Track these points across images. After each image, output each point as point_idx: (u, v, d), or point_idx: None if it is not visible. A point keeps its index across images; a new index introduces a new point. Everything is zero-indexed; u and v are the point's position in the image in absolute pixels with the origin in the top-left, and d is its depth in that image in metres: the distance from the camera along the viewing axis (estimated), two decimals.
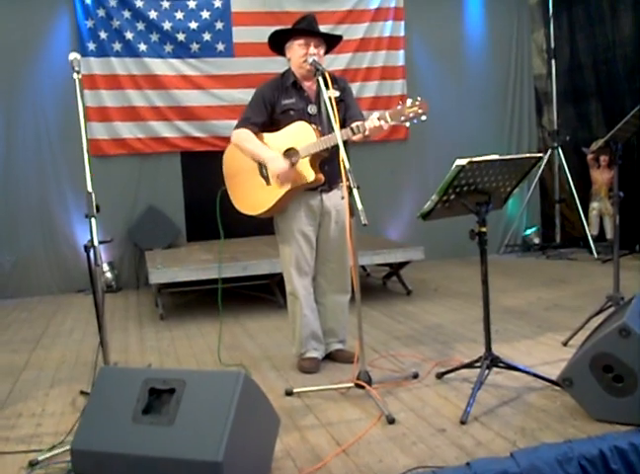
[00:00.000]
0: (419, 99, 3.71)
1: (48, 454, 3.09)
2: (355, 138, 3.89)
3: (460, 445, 3.03)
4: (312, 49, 4.07)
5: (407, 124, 3.81)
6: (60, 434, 3.31)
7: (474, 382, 3.48)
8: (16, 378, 4.45)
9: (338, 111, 3.81)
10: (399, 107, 3.73)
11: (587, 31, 8.49)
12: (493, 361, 3.60)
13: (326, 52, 4.25)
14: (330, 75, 3.98)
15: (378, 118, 3.78)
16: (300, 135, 4.01)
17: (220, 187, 4.32)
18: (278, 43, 4.25)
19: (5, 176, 7.45)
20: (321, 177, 4.03)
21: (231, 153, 4.30)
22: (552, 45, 8.75)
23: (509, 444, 3.00)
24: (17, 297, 7.36)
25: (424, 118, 3.70)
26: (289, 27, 4.24)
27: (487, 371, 3.56)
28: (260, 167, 4.14)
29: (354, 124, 3.86)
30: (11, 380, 4.40)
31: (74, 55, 3.68)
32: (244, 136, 4.15)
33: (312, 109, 4.15)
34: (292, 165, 4.03)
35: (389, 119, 3.76)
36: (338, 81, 4.21)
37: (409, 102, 3.71)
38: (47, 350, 5.20)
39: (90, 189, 3.38)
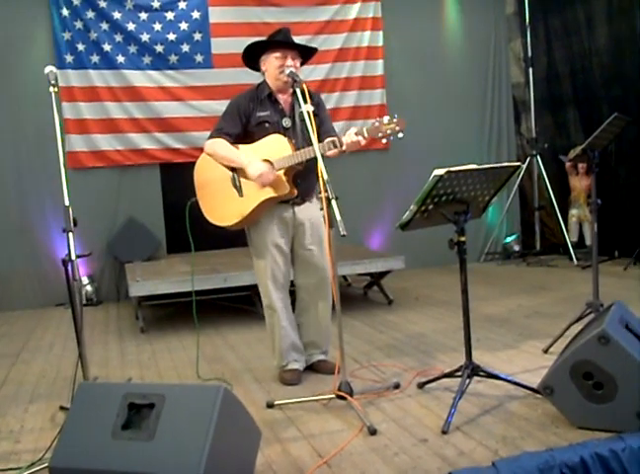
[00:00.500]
0: (396, 116, 3.77)
1: (27, 472, 3.07)
2: (329, 153, 3.89)
3: (442, 455, 3.02)
4: (289, 61, 4.07)
5: (384, 141, 3.86)
6: (39, 451, 3.27)
7: (456, 391, 3.49)
8: None
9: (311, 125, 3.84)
10: (377, 123, 3.77)
11: (563, 40, 8.57)
12: (474, 370, 3.60)
13: (301, 64, 4.26)
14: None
15: (356, 134, 3.81)
16: (275, 148, 4.02)
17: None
18: (251, 57, 4.25)
19: None
20: (294, 191, 4.04)
21: (203, 163, 4.28)
22: (529, 54, 8.84)
23: (490, 453, 3.00)
24: None
25: (401, 135, 3.77)
26: (264, 39, 4.23)
27: (468, 380, 3.57)
28: (233, 177, 4.13)
29: (330, 139, 3.88)
30: None
31: (50, 68, 3.69)
32: (218, 145, 4.12)
33: (287, 122, 4.15)
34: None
35: (366, 135, 3.80)
36: (312, 96, 4.21)
37: (386, 119, 3.76)
38: (27, 364, 5.15)
39: (67, 202, 3.37)
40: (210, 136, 4.18)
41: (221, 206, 4.19)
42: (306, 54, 4.28)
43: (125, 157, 7.76)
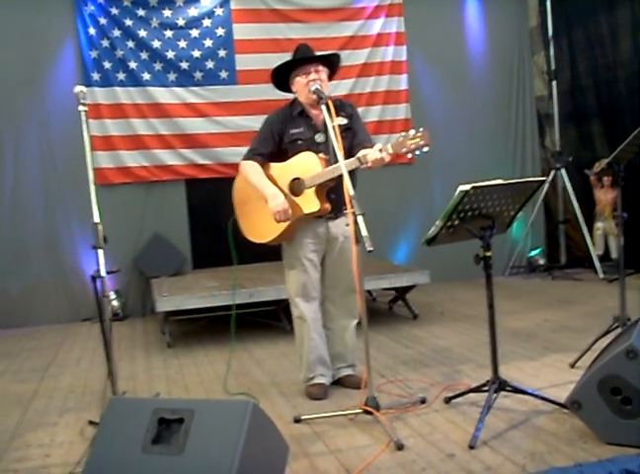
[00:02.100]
0: (421, 130, 3.69)
1: None
2: (362, 167, 3.87)
3: (470, 471, 3.02)
4: (312, 76, 4.09)
5: (409, 156, 3.77)
6: (69, 466, 3.31)
7: (482, 406, 3.48)
8: (25, 408, 4.46)
9: (344, 139, 3.87)
10: (401, 138, 3.71)
11: (587, 52, 8.54)
12: (500, 385, 3.59)
13: (331, 75, 4.29)
14: (336, 102, 4.06)
15: (380, 150, 3.78)
16: (306, 165, 4.04)
17: (227, 213, 4.41)
18: (281, 80, 4.30)
19: (13, 206, 7.51)
20: (327, 207, 4.06)
21: (240, 181, 4.35)
22: (553, 67, 8.79)
23: (518, 469, 2.99)
24: (24, 326, 7.38)
25: (426, 149, 3.68)
26: (282, 62, 4.26)
27: (495, 395, 3.56)
28: None
29: (360, 154, 3.86)
30: (20, 410, 4.41)
31: (79, 88, 3.75)
32: (250, 169, 4.20)
33: (320, 137, 4.16)
34: (297, 195, 4.07)
35: (391, 151, 3.77)
36: (345, 107, 4.25)
37: (411, 133, 3.70)
38: (56, 379, 5.20)
39: (97, 219, 3.41)
40: (245, 157, 4.26)
41: (257, 224, 4.24)
42: (332, 65, 4.29)
43: (151, 173, 7.84)
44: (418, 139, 3.67)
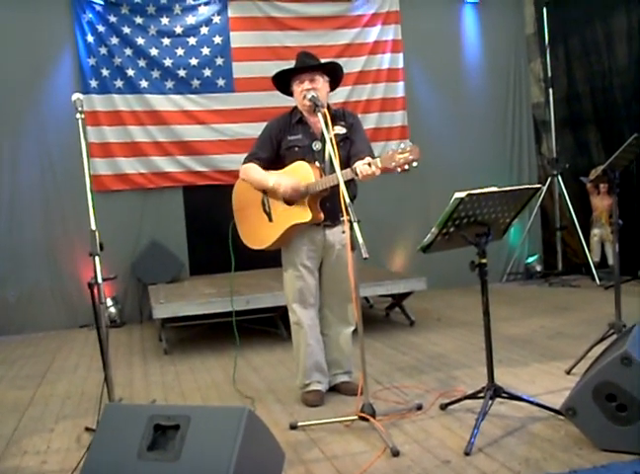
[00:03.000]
0: (410, 144, 3.66)
1: None
2: (361, 177, 3.81)
3: None
4: (306, 85, 4.11)
5: (398, 170, 3.67)
6: (66, 472, 3.31)
7: (478, 413, 3.48)
8: (21, 414, 4.46)
9: (341, 148, 3.92)
10: (390, 152, 3.67)
11: (583, 60, 8.57)
12: (496, 392, 3.60)
13: (334, 83, 4.31)
14: (338, 111, 4.13)
15: (369, 164, 3.74)
16: (300, 175, 4.05)
17: (224, 220, 4.46)
18: (285, 85, 4.30)
19: (11, 213, 7.51)
20: (320, 216, 4.07)
21: (239, 187, 4.38)
22: (549, 74, 8.83)
23: None
24: (22, 333, 7.38)
25: (415, 164, 3.64)
26: (277, 71, 4.28)
27: (490, 402, 3.56)
28: (263, 203, 4.19)
29: (354, 165, 3.83)
30: (16, 416, 4.41)
31: (77, 96, 3.77)
32: (249, 170, 4.24)
33: (317, 145, 4.17)
34: (290, 205, 4.09)
35: (380, 165, 3.73)
36: (346, 117, 4.26)
37: (400, 147, 3.66)
38: (53, 385, 5.20)
39: (94, 226, 3.42)
40: (244, 161, 4.30)
41: (255, 230, 4.28)
42: (333, 73, 4.29)
43: (149, 180, 7.85)
44: (407, 154, 3.63)
